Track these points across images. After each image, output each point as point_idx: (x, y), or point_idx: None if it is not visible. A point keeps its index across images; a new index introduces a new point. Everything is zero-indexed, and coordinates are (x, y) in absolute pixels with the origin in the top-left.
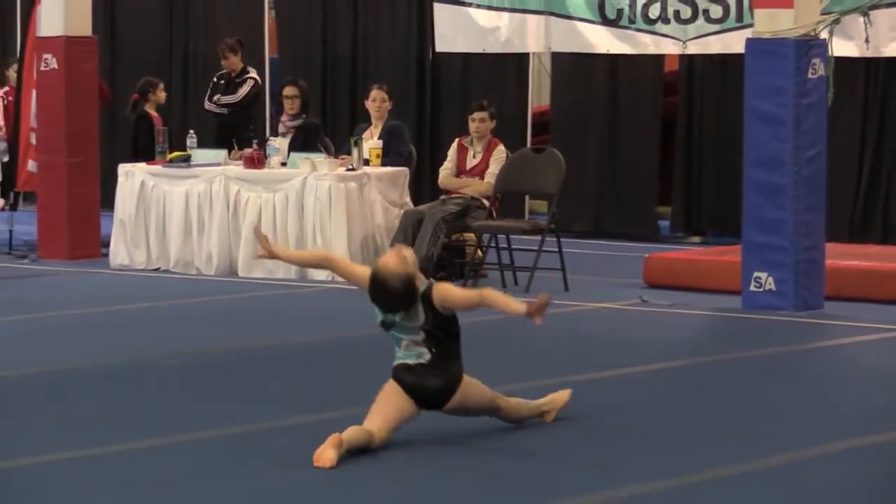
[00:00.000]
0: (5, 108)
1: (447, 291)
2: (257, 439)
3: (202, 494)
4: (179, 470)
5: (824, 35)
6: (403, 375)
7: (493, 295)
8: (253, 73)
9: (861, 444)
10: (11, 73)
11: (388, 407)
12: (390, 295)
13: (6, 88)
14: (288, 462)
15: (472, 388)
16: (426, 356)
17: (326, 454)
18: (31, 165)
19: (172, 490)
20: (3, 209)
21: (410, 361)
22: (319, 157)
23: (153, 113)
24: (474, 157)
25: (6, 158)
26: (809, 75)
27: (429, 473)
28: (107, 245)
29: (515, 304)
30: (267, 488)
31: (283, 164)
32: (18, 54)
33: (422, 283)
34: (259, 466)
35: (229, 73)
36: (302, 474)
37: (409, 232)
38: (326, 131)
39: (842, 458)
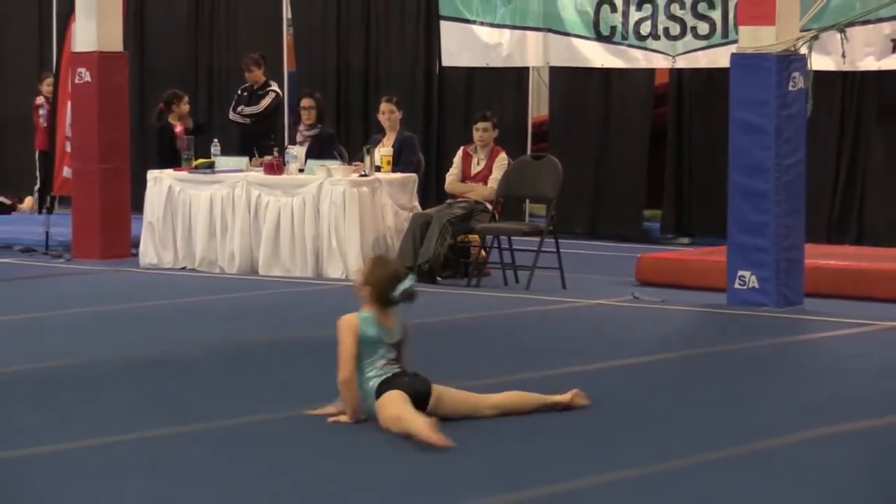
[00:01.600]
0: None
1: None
2: (277, 427)
3: (225, 478)
4: (204, 455)
5: (804, 50)
6: (397, 383)
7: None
8: (274, 87)
9: (841, 430)
10: (44, 86)
11: (409, 405)
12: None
13: (41, 99)
14: (306, 448)
15: (440, 388)
16: (397, 369)
17: (439, 436)
18: (66, 172)
19: (197, 474)
20: (39, 212)
21: (390, 375)
22: (334, 164)
23: (175, 123)
24: (478, 163)
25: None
26: (790, 88)
27: (433, 458)
28: (136, 245)
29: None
30: (285, 473)
31: (301, 171)
32: (54, 68)
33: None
34: (279, 452)
35: (252, 86)
36: (318, 460)
37: (417, 233)
38: (340, 140)
39: (822, 444)
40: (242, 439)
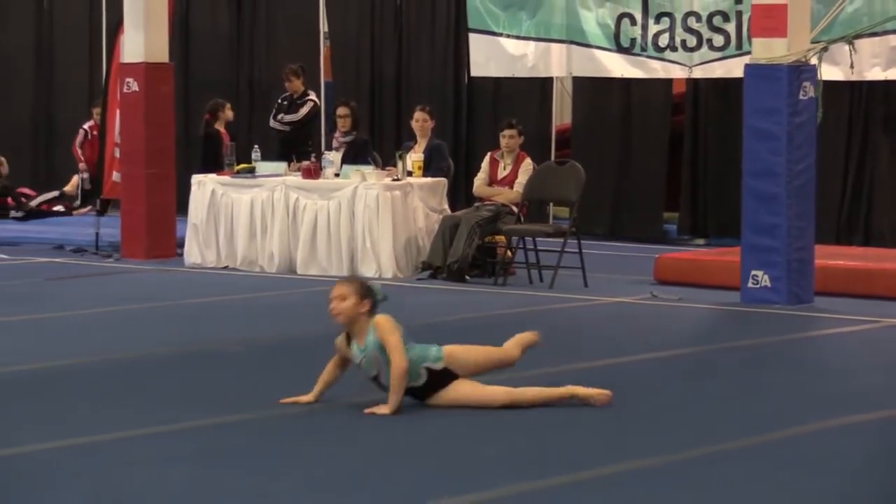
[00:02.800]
0: (89, 141)
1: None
2: (315, 416)
3: (266, 466)
4: (245, 445)
5: (814, 61)
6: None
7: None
8: (312, 96)
9: (849, 422)
10: (96, 112)
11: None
12: None
13: (91, 123)
14: (340, 437)
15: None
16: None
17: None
18: (115, 176)
19: (237, 463)
20: (90, 212)
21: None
22: (368, 169)
23: (222, 130)
24: (505, 168)
25: (89, 186)
26: (801, 97)
27: (450, 449)
28: (181, 246)
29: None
30: (317, 462)
31: (337, 175)
32: (104, 79)
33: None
34: (315, 440)
35: (291, 95)
36: (350, 448)
37: (446, 235)
38: (374, 146)
39: (831, 436)
40: (284, 428)
